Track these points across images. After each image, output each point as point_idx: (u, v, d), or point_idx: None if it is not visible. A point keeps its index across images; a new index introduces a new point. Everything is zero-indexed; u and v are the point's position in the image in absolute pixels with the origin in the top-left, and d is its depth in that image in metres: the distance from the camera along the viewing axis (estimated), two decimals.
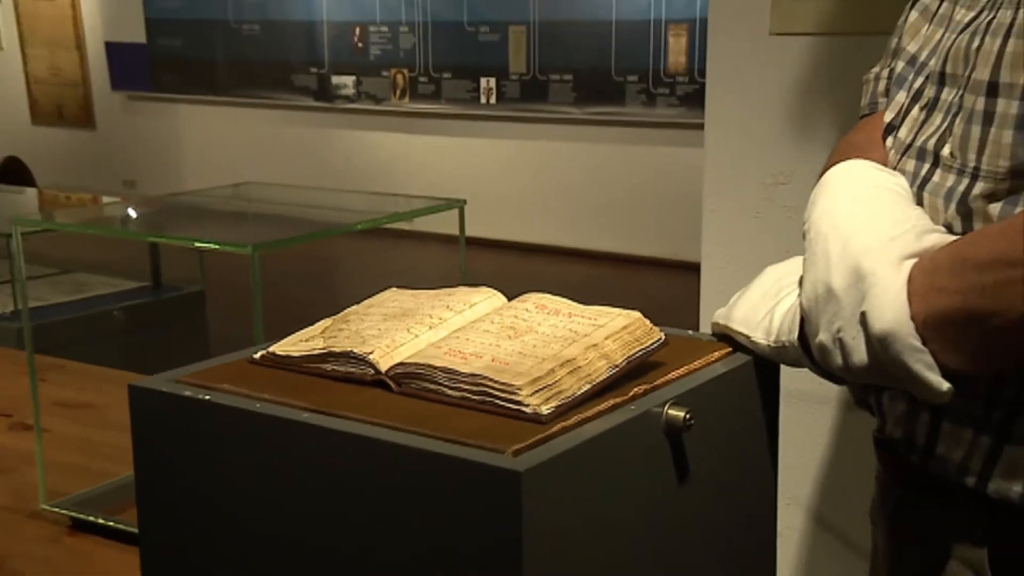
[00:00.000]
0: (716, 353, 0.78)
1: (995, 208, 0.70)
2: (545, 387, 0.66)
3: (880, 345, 0.68)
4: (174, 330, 2.77)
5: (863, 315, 0.68)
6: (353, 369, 0.72)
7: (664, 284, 5.27)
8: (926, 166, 0.77)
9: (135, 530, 0.77)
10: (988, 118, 0.71)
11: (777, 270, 0.82)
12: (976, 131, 0.71)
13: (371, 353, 0.71)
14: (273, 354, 0.76)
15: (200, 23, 7.34)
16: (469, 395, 0.67)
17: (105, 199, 3.19)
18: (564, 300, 0.77)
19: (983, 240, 0.68)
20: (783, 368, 0.80)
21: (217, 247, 1.10)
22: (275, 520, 0.68)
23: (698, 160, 1.48)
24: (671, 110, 5.86)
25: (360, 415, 0.65)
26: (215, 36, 7.30)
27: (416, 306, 0.79)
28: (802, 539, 1.51)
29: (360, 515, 0.64)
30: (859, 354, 0.69)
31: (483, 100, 6.46)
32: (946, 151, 0.75)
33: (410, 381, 0.69)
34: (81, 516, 1.27)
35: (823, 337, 0.71)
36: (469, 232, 1.26)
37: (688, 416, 0.68)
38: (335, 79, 6.94)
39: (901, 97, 0.83)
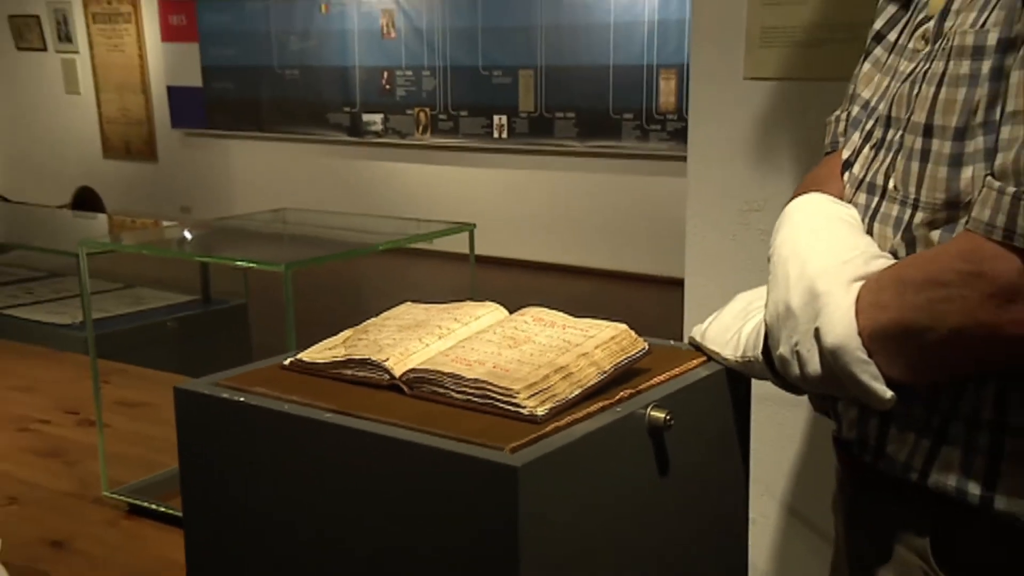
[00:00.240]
0: (694, 361, 0.78)
1: (935, 235, 0.70)
2: (540, 391, 0.65)
3: (831, 357, 0.67)
4: (220, 338, 2.77)
5: (817, 330, 0.68)
6: (371, 374, 0.71)
7: (654, 296, 5.25)
8: (875, 198, 0.77)
9: None
10: (925, 156, 0.71)
11: (746, 296, 0.82)
12: (915, 167, 0.72)
13: (386, 360, 0.71)
14: (301, 361, 0.76)
15: (248, 69, 7.39)
16: (473, 398, 0.66)
17: (164, 223, 3.21)
18: (559, 313, 0.77)
19: (919, 263, 0.68)
20: None
21: (254, 265, 1.10)
22: (300, 507, 0.67)
23: (685, 188, 1.48)
24: (662, 144, 5.85)
25: (376, 415, 0.65)
26: (261, 80, 7.34)
27: (427, 318, 0.79)
28: (774, 526, 1.50)
29: (375, 504, 0.64)
30: (813, 365, 0.69)
31: (496, 135, 6.47)
32: (891, 185, 0.75)
33: (421, 385, 0.69)
34: (137, 502, 1.27)
35: (783, 350, 0.71)
36: (482, 251, 1.25)
37: (668, 417, 0.67)
38: (365, 117, 6.97)
39: (855, 137, 0.83)
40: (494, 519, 0.58)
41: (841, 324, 0.67)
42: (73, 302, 2.89)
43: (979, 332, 0.62)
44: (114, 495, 1.29)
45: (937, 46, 0.72)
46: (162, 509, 1.24)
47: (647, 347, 0.74)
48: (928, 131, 0.70)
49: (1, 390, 1.77)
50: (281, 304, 1.04)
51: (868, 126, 0.81)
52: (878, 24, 0.85)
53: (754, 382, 0.79)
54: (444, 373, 0.68)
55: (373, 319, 0.82)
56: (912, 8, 0.81)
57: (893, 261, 0.71)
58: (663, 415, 0.67)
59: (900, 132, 0.75)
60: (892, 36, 0.83)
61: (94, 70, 8.08)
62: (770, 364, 0.74)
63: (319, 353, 0.76)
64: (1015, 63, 0.64)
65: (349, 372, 0.73)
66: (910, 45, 0.78)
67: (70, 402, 1.69)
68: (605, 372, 0.70)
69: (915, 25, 0.79)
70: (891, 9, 0.84)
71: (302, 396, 0.69)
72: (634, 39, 5.79)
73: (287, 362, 0.77)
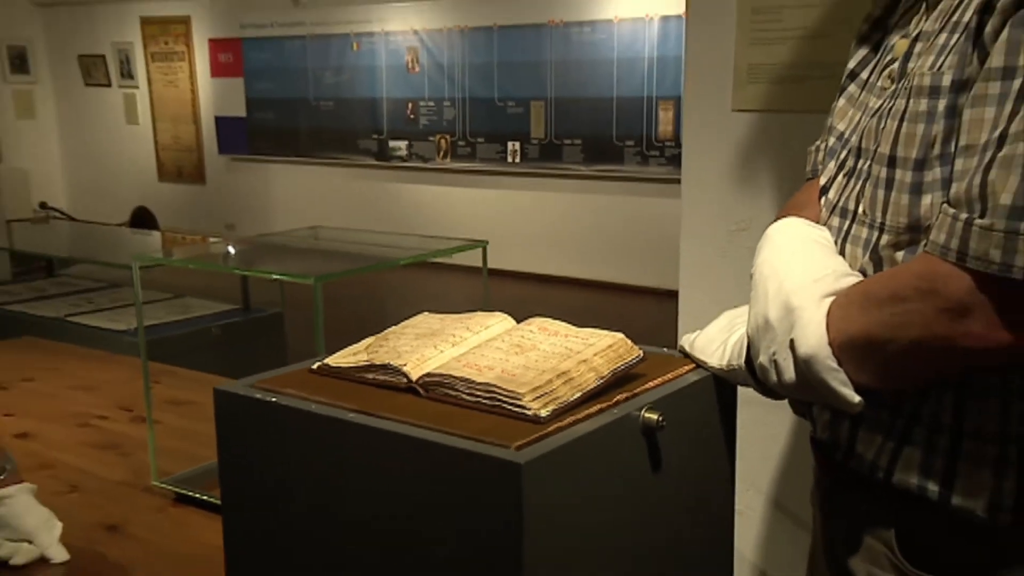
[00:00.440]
0: (685, 367, 0.78)
1: (900, 255, 0.71)
2: (544, 394, 0.65)
3: (805, 366, 0.68)
4: (259, 343, 2.78)
5: (792, 341, 0.68)
6: (390, 378, 0.71)
7: (651, 306, 5.24)
8: (847, 222, 0.78)
9: None
10: (889, 184, 0.71)
11: (732, 313, 0.82)
12: (881, 194, 0.72)
13: (405, 365, 0.71)
14: (328, 365, 0.76)
15: (287, 101, 7.44)
16: (482, 400, 0.66)
17: (211, 239, 3.23)
18: (561, 323, 0.77)
19: (883, 281, 0.68)
20: None
21: (288, 278, 1.10)
22: (326, 499, 0.68)
23: (680, 209, 1.48)
24: (661, 168, 5.84)
25: (395, 415, 0.65)
26: (299, 111, 7.40)
27: (442, 327, 0.79)
28: (759, 517, 1.48)
29: (392, 495, 0.64)
30: (789, 373, 0.69)
31: (509, 160, 6.48)
32: (861, 209, 0.75)
33: (435, 388, 0.69)
34: (184, 491, 1.27)
35: (762, 359, 0.72)
36: (495, 265, 1.25)
37: (661, 418, 0.67)
38: (391, 143, 7.00)
39: (831, 166, 0.83)
40: (500, 510, 0.58)
41: (814, 336, 0.67)
42: (128, 310, 2.91)
43: (936, 343, 0.63)
44: (163, 485, 1.29)
45: (900, 85, 0.73)
46: (205, 498, 1.24)
47: (642, 354, 0.73)
48: (892, 162, 0.71)
49: (64, 389, 1.79)
50: (312, 313, 1.04)
51: (842, 156, 0.82)
52: (852, 63, 0.85)
53: (741, 387, 0.79)
54: (456, 377, 0.68)
55: (393, 327, 0.82)
56: (881, 50, 0.82)
57: (862, 279, 0.72)
58: (656, 416, 0.67)
59: (868, 162, 0.75)
60: (864, 74, 0.83)
61: (151, 103, 8.19)
62: (752, 372, 0.74)
63: (344, 358, 0.76)
64: (967, 102, 0.65)
65: (371, 376, 0.73)
66: (878, 83, 0.78)
67: (125, 400, 1.70)
68: (603, 377, 0.69)
69: (883, 65, 0.79)
70: (863, 51, 0.85)
71: (328, 397, 0.69)
72: (635, 73, 5.80)
73: (315, 366, 0.77)
